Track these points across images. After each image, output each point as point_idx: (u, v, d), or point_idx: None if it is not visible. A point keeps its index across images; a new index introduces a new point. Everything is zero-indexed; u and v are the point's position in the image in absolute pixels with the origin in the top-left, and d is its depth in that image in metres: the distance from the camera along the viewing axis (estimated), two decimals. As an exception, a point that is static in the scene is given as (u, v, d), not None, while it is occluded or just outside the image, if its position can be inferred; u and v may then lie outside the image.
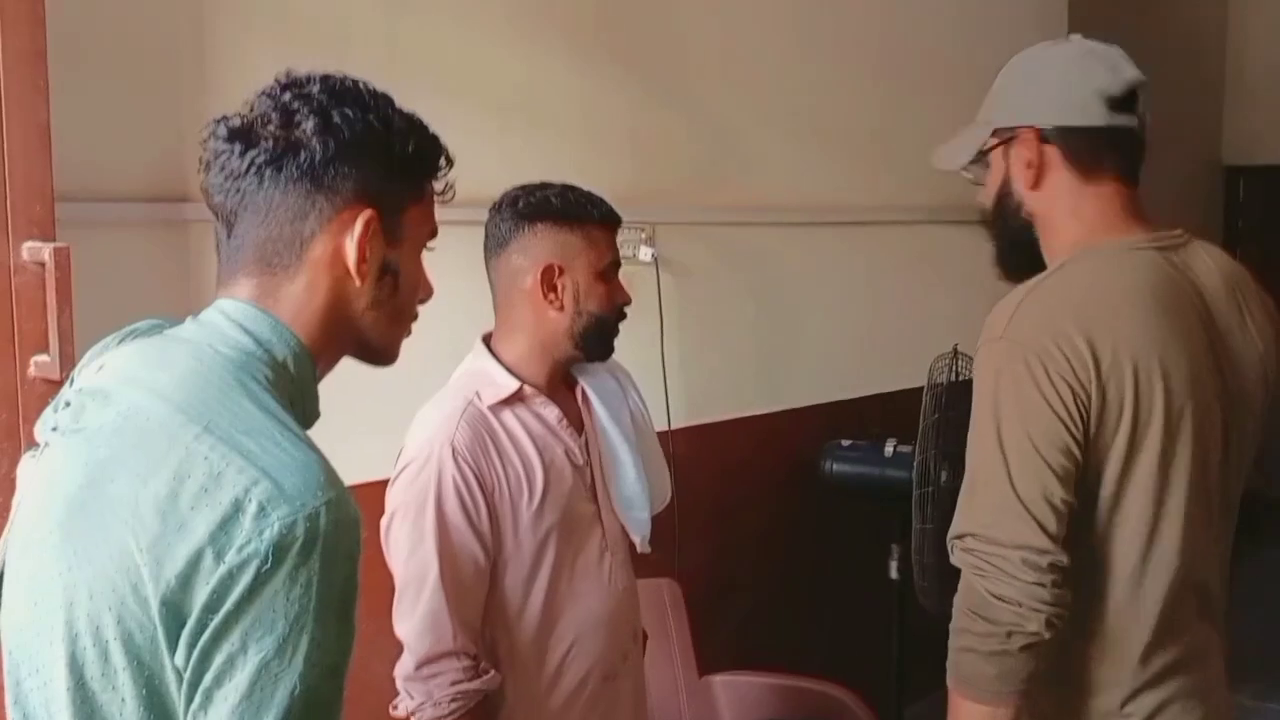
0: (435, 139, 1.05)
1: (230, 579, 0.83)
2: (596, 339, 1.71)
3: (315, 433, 1.04)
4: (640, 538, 1.84)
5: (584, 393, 1.80)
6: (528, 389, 1.69)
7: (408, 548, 1.60)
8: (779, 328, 3.13)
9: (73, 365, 1.55)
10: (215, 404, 0.89)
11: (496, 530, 1.63)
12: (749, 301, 3.06)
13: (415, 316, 1.09)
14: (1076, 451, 1.33)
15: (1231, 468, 1.46)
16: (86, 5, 1.81)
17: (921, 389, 2.72)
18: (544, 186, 1.70)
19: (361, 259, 0.98)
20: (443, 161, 1.06)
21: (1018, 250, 1.50)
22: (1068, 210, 1.45)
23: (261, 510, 0.83)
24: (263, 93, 0.98)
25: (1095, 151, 1.43)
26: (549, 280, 1.66)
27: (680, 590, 2.61)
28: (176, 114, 1.92)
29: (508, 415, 1.67)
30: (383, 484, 2.17)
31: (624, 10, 2.66)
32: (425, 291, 1.09)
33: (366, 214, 0.98)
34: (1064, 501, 1.32)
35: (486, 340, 1.75)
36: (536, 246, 1.67)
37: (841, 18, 3.25)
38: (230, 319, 0.97)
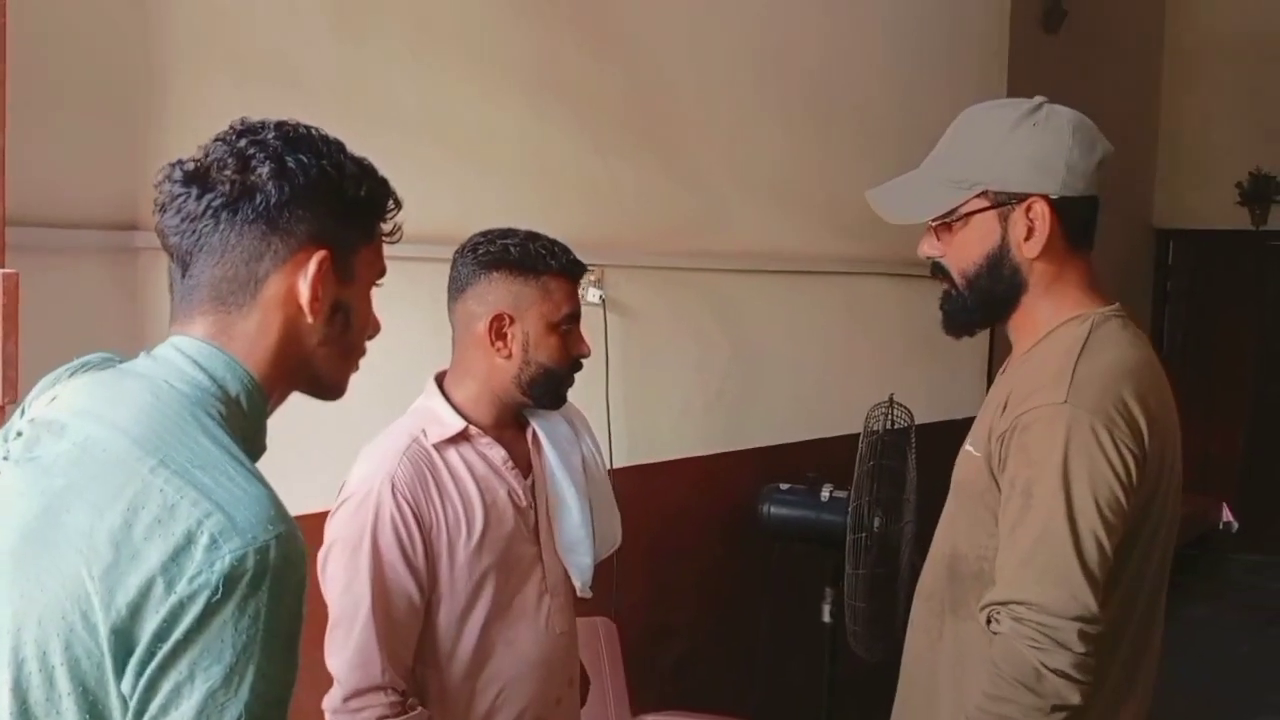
0: (384, 182, 1.09)
1: (180, 609, 0.85)
2: (545, 389, 1.72)
3: (261, 464, 1.06)
4: (581, 582, 1.84)
5: (534, 435, 1.80)
6: (473, 429, 1.70)
7: (343, 581, 1.61)
8: (721, 371, 3.18)
9: (16, 391, 1.57)
10: (171, 438, 0.92)
11: (432, 567, 1.64)
12: (693, 345, 3.11)
13: (364, 352, 1.13)
14: (1126, 518, 1.35)
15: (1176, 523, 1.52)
16: (44, 34, 1.82)
17: (857, 435, 2.78)
18: (507, 234, 1.72)
19: (314, 297, 1.02)
20: (391, 204, 1.10)
21: (992, 311, 1.51)
22: (1060, 277, 1.47)
23: (213, 542, 0.86)
24: (218, 138, 1.02)
25: (1086, 222, 1.48)
26: (498, 329, 1.67)
27: (616, 629, 2.63)
28: (130, 143, 1.93)
29: (452, 454, 1.69)
30: (324, 515, 2.19)
31: (579, 56, 2.72)
32: (374, 328, 1.13)
33: (320, 254, 1.01)
34: (1109, 568, 1.34)
35: (440, 379, 1.76)
36: (491, 294, 1.68)
37: (789, 75, 3.34)
38: (186, 355, 1.00)
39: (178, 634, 0.85)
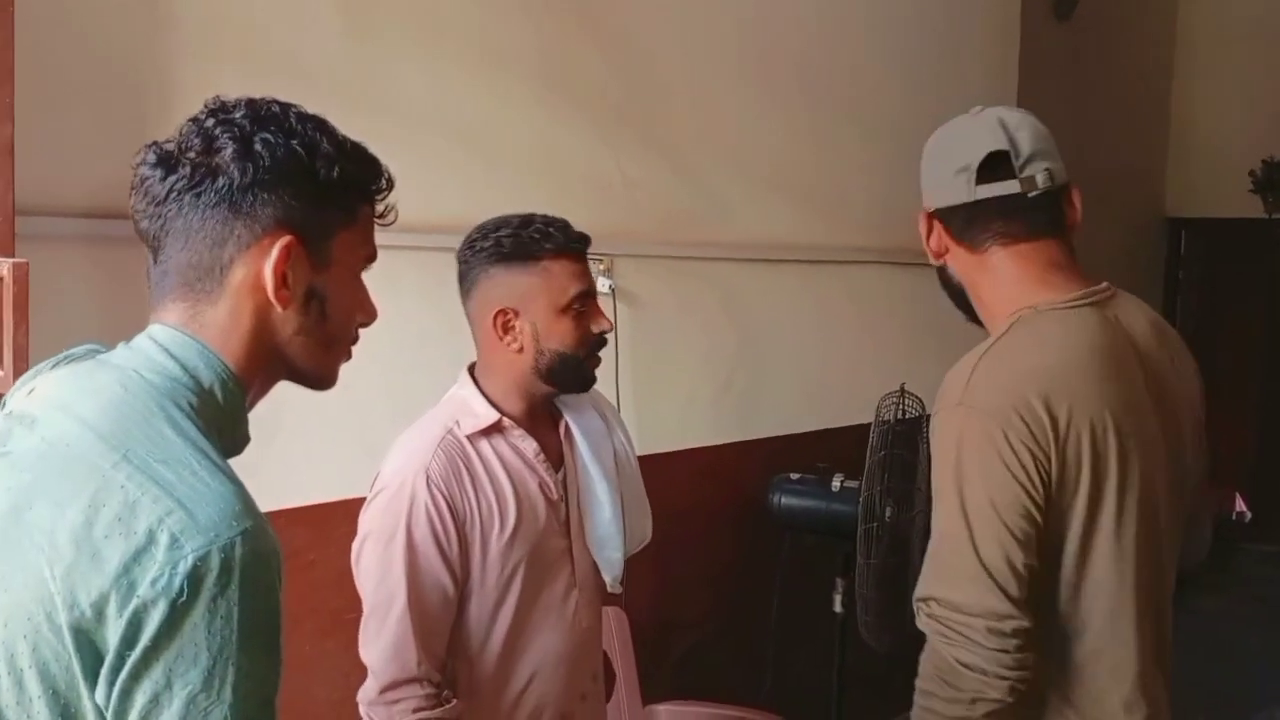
0: (370, 163, 1.04)
1: (144, 612, 0.82)
2: (565, 374, 1.68)
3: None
4: (612, 577, 1.83)
5: (566, 427, 1.78)
6: (506, 421, 1.68)
7: (377, 573, 1.60)
8: (731, 361, 3.18)
9: (27, 380, 1.56)
10: (136, 431, 0.89)
11: (465, 560, 1.63)
12: (702, 335, 3.10)
13: (354, 340, 1.08)
14: (1038, 516, 1.35)
15: (1176, 515, 1.49)
16: (53, 25, 1.82)
17: (868, 425, 2.77)
18: (501, 224, 1.67)
19: (280, 285, 0.97)
20: (382, 184, 1.05)
21: (964, 310, 1.58)
22: (981, 278, 1.51)
23: (174, 541, 0.83)
24: (191, 118, 0.99)
25: (973, 225, 1.48)
26: (503, 324, 1.65)
27: (626, 619, 2.63)
28: (140, 133, 1.91)
29: (485, 446, 1.67)
30: (330, 506, 2.19)
31: (586, 49, 2.71)
32: (366, 315, 1.08)
33: (284, 240, 0.97)
34: (1026, 565, 1.33)
35: (472, 369, 1.74)
36: (490, 291, 1.66)
37: (798, 66, 3.32)
38: (158, 344, 0.96)
39: (145, 640, 0.82)
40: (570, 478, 1.76)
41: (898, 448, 2.77)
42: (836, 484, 2.93)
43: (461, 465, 1.63)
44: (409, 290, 2.27)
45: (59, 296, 1.76)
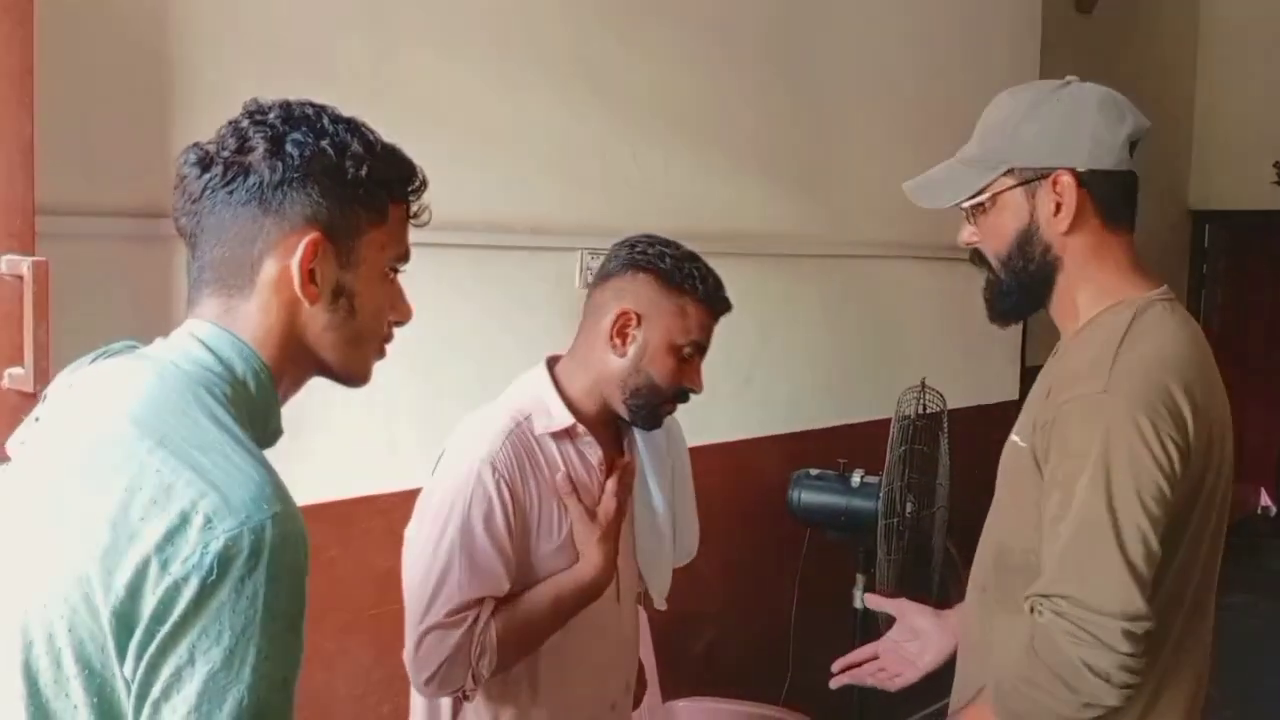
0: (402, 163, 1.07)
1: (175, 590, 0.84)
2: (644, 404, 1.66)
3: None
4: (659, 594, 1.82)
5: (631, 439, 1.77)
6: (580, 427, 1.66)
7: (429, 554, 1.56)
8: (750, 357, 3.16)
9: (47, 379, 1.58)
10: (171, 419, 0.92)
11: (519, 555, 1.59)
12: (721, 330, 3.06)
13: (387, 338, 1.10)
14: (1169, 511, 1.31)
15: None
16: (75, 24, 1.83)
17: (888, 420, 2.75)
18: (669, 244, 1.68)
19: (306, 281, 1.00)
20: (415, 184, 1.08)
21: (1030, 293, 1.48)
22: (1097, 256, 1.44)
23: (208, 522, 0.85)
24: (230, 120, 1.02)
25: (1118, 198, 1.44)
26: (623, 324, 1.63)
27: (645, 615, 2.62)
28: (160, 132, 1.94)
29: (552, 447, 1.64)
30: (350, 502, 2.20)
31: (602, 47, 2.71)
32: (399, 314, 1.10)
33: (311, 236, 0.99)
34: (1157, 563, 1.30)
35: (551, 363, 1.72)
36: (628, 291, 1.64)
37: (818, 59, 3.31)
38: (194, 337, 1.00)
39: (175, 616, 0.84)
40: (637, 494, 1.73)
41: (918, 442, 2.76)
42: (857, 479, 2.91)
43: (527, 461, 1.60)
44: (432, 287, 2.27)
45: (79, 295, 1.77)
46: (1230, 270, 6.58)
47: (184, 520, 0.85)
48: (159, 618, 0.84)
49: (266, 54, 2.07)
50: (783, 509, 3.03)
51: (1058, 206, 1.41)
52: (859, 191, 3.44)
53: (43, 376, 1.56)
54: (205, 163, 1.00)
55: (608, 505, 1.64)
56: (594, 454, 1.67)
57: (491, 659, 1.54)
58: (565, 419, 1.64)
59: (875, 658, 1.72)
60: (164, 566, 0.84)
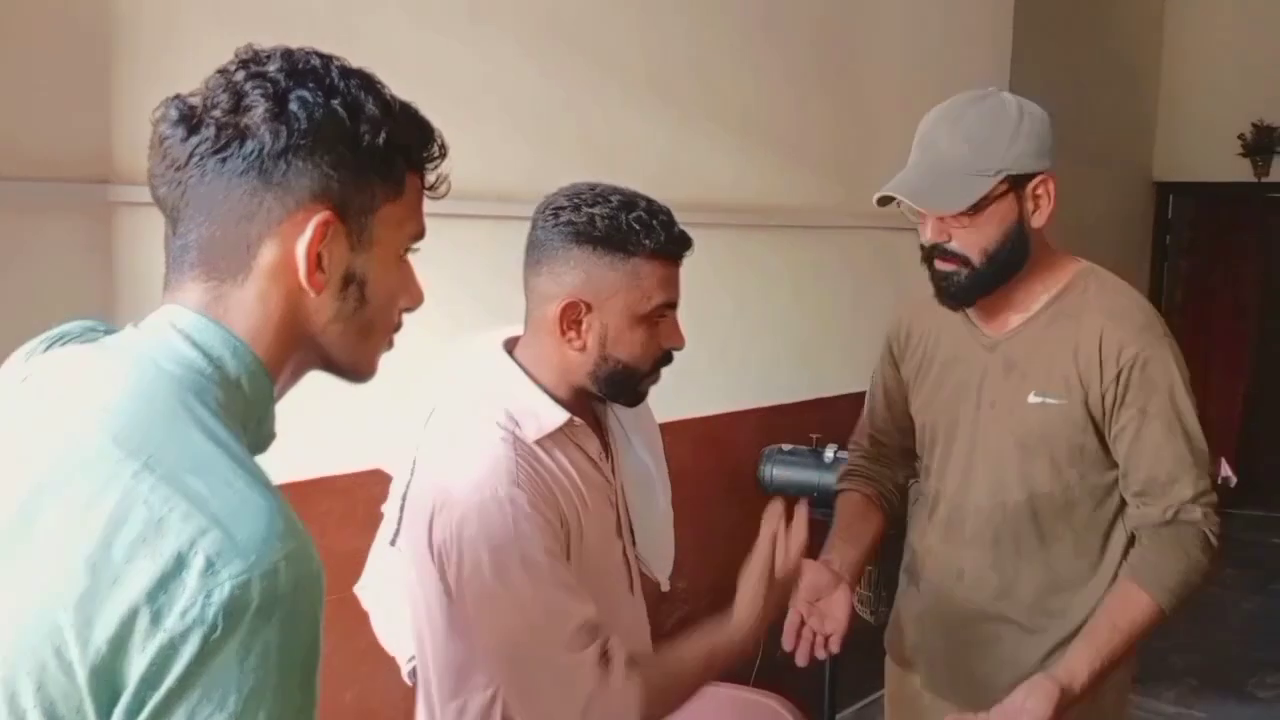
0: (421, 126, 0.92)
1: (171, 649, 0.70)
2: (621, 387, 1.45)
3: (280, 428, 0.96)
4: (664, 575, 1.66)
5: (616, 415, 1.57)
6: (576, 420, 1.44)
7: (506, 607, 1.32)
8: (720, 330, 3.11)
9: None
10: (158, 434, 0.77)
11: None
12: (694, 302, 2.99)
13: (397, 327, 0.96)
14: None
15: None
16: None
17: (862, 394, 2.70)
18: (598, 198, 1.40)
19: (314, 267, 0.85)
20: (434, 151, 0.93)
21: (1002, 279, 1.67)
22: (1047, 240, 1.70)
23: (209, 566, 0.71)
24: (220, 69, 0.86)
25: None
26: (571, 316, 1.40)
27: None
28: (101, 91, 1.83)
29: (553, 450, 1.42)
30: (343, 477, 2.11)
31: (577, 11, 2.62)
32: (410, 299, 0.96)
33: (320, 216, 0.85)
34: None
35: (509, 349, 1.48)
36: (567, 274, 1.39)
37: (797, 30, 3.24)
38: (178, 330, 0.84)
39: (171, 679, 0.70)
40: (618, 469, 1.54)
41: (892, 417, 2.71)
42: (830, 455, 2.88)
43: (542, 475, 1.38)
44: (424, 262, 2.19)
45: (15, 267, 1.67)
46: (1194, 242, 6.61)
47: (180, 563, 0.71)
48: (151, 681, 0.70)
49: (218, 4, 1.96)
50: (754, 485, 2.98)
51: (1037, 204, 1.65)
52: (833, 162, 3.38)
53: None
54: (192, 123, 0.83)
55: (790, 561, 1.49)
56: (592, 445, 1.48)
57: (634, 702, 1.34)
58: (558, 416, 1.42)
59: (803, 624, 1.76)
60: (156, 619, 0.70)
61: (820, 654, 1.77)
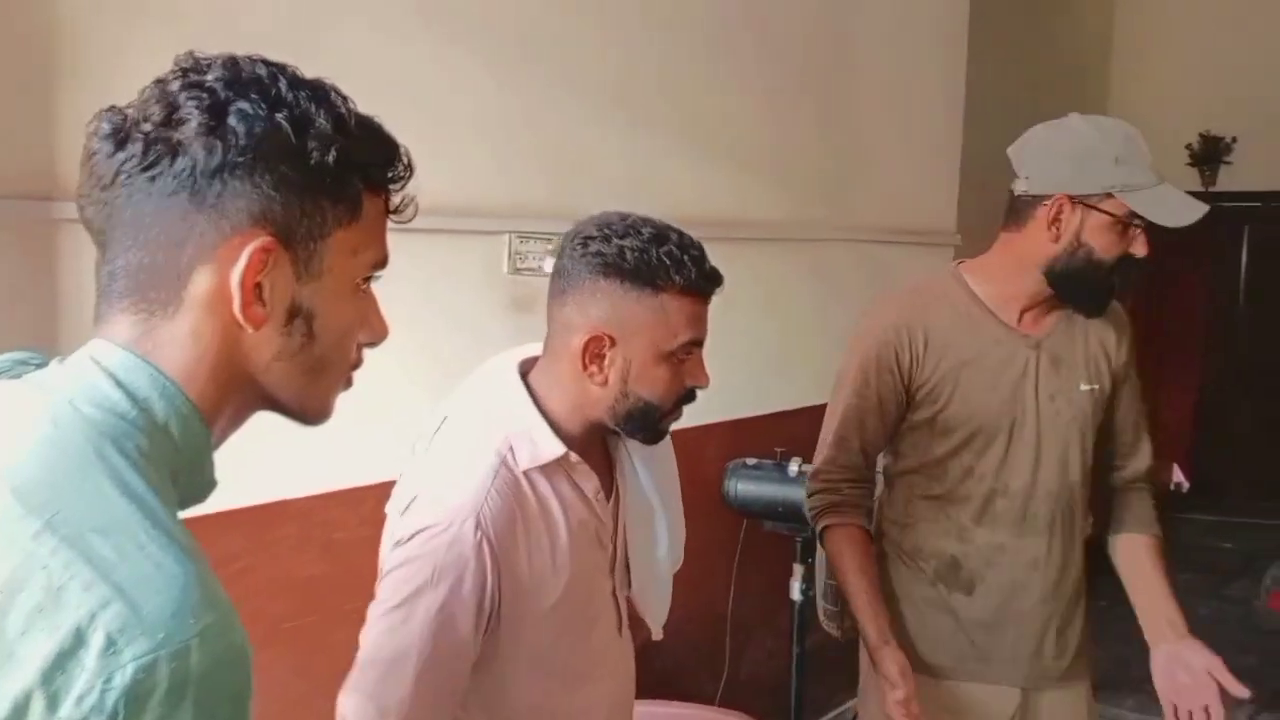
0: (383, 143, 0.84)
1: None
2: (641, 424, 1.41)
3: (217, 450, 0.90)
4: (657, 623, 1.61)
5: (626, 452, 1.52)
6: (572, 456, 1.40)
7: (393, 620, 1.32)
8: (683, 344, 3.07)
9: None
10: (66, 488, 0.69)
11: (498, 619, 1.35)
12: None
13: (356, 364, 0.87)
14: None
15: None
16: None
17: (824, 406, 2.68)
18: (629, 230, 1.37)
19: (250, 299, 0.77)
20: (399, 171, 0.84)
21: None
22: None
23: (110, 645, 0.63)
24: (157, 79, 0.79)
25: None
26: (594, 350, 1.36)
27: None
28: (48, 106, 1.76)
29: (542, 483, 1.38)
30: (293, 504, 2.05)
31: (539, 21, 2.58)
32: (371, 334, 0.87)
33: (259, 242, 0.76)
34: None
35: (525, 373, 1.44)
36: (593, 306, 1.36)
37: (755, 40, 3.23)
38: (101, 368, 0.76)
39: None
40: (620, 508, 1.50)
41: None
42: (794, 468, 2.85)
43: (516, 511, 1.34)
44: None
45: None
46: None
47: (79, 639, 0.63)
48: None
49: (169, 13, 1.89)
50: (719, 500, 2.95)
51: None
52: (795, 172, 3.37)
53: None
54: (120, 137, 0.76)
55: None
56: (589, 484, 1.43)
57: None
58: (554, 449, 1.38)
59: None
60: (52, 705, 0.62)
61: None
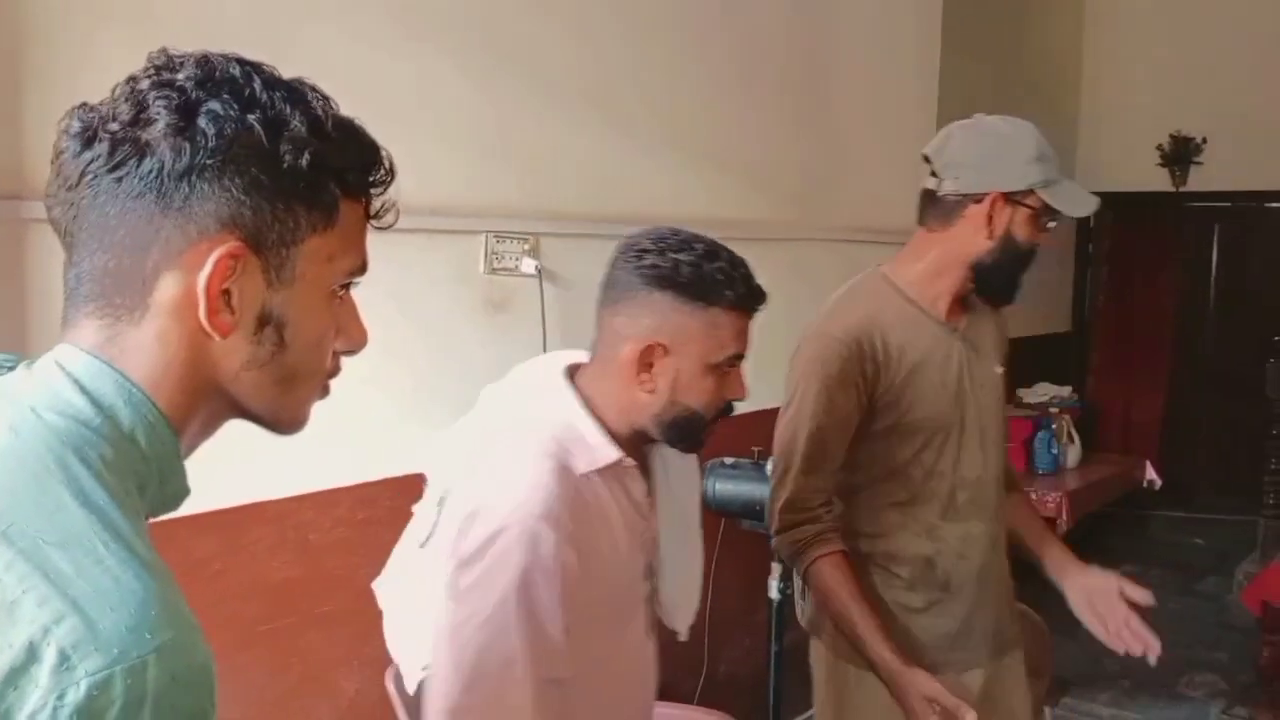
0: (362, 147, 0.81)
1: None
2: (685, 433, 1.46)
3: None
4: (684, 624, 1.65)
5: (662, 461, 1.57)
6: (627, 460, 1.44)
7: (484, 635, 1.32)
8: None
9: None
10: (24, 497, 0.66)
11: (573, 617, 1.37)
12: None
13: (333, 372, 0.85)
14: None
15: None
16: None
17: (802, 407, 2.69)
18: (683, 245, 1.42)
19: (216, 306, 0.75)
20: (380, 175, 0.82)
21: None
22: None
23: (64, 661, 0.61)
24: (129, 76, 0.77)
25: None
26: (647, 359, 1.41)
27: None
28: (16, 104, 1.73)
29: (599, 486, 1.42)
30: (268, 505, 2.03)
31: (514, 22, 2.57)
32: (349, 342, 0.85)
33: (227, 247, 0.74)
34: None
35: (572, 376, 1.48)
36: (647, 317, 1.41)
37: (730, 40, 3.22)
38: (66, 373, 0.74)
39: None
40: (654, 516, 1.54)
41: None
42: (771, 468, 2.85)
43: (580, 512, 1.38)
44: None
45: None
46: (1115, 250, 6.75)
47: (32, 655, 0.61)
48: None
49: (135, 11, 1.87)
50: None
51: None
52: (773, 172, 3.37)
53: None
54: (88, 136, 0.74)
55: None
56: (639, 488, 1.47)
57: None
58: (610, 454, 1.42)
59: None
60: None
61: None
